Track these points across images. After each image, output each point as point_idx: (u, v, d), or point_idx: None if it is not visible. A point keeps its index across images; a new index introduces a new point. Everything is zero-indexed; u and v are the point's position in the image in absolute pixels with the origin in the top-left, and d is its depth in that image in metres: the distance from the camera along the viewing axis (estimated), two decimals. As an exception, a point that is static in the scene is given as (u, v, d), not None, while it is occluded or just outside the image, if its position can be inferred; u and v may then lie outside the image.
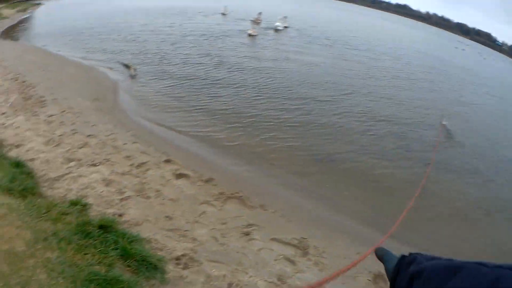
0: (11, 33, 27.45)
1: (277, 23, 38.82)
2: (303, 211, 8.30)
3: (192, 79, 17.86)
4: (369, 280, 6.18)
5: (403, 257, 1.05)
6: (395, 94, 20.52)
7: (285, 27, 39.76)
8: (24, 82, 15.26)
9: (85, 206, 6.56)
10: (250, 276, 5.47)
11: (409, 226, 8.28)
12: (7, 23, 30.76)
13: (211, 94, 15.88)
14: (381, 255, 1.20)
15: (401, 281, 0.97)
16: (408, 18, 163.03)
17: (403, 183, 10.63)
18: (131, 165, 8.77)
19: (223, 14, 45.75)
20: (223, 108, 14.25)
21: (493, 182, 12.46)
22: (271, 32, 37.01)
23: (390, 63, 30.81)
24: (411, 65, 32.70)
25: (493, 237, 9.36)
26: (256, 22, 37.15)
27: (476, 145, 15.61)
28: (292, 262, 6.10)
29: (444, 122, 16.60)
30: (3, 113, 11.83)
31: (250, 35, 32.55)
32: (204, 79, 18.03)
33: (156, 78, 17.84)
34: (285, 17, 40.99)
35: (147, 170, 8.62)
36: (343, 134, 13.24)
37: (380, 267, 1.29)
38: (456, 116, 18.79)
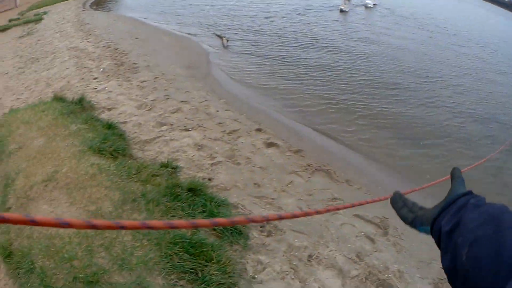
0: (101, 3, 28.14)
1: (367, 1, 37.87)
2: (387, 190, 7.92)
3: (285, 54, 17.55)
4: (442, 268, 5.85)
5: (470, 192, 1.00)
6: (483, 87, 19.01)
7: (375, 4, 38.72)
8: (116, 49, 15.70)
9: (175, 169, 6.67)
10: (330, 250, 5.35)
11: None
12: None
13: (304, 72, 15.47)
14: (457, 175, 1.13)
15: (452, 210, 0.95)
16: (492, 4, 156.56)
17: (487, 176, 10.03)
18: (223, 131, 8.77)
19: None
20: (316, 88, 13.83)
21: None
22: (361, 9, 36.20)
23: (477, 51, 28.65)
24: (497, 54, 30.57)
25: None
26: (347, -2, 36.35)
27: None
28: (372, 240, 5.88)
29: None
30: (95, 78, 12.23)
31: (341, 10, 31.98)
32: (296, 56, 17.64)
33: (248, 51, 17.72)
34: (375, -6, 39.93)
35: (238, 137, 8.58)
36: (435, 123, 12.57)
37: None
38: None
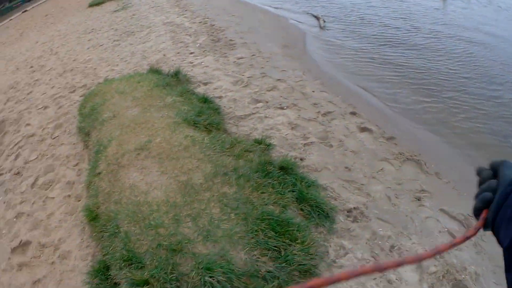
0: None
1: (466, -12, 36.36)
2: (474, 188, 7.62)
3: (384, 43, 16.88)
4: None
5: None
6: None
7: (472, -9, 37.10)
8: (212, 25, 16.01)
9: (268, 146, 6.71)
10: (413, 243, 5.23)
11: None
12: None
13: (405, 65, 14.76)
14: (499, 164, 1.17)
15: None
16: None
17: None
18: (317, 112, 8.68)
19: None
20: (417, 82, 13.19)
21: None
22: (460, -4, 34.89)
23: None
24: None
25: None
26: (447, -16, 35.02)
27: None
28: (454, 237, 5.56)
29: None
30: (192, 53, 12.53)
31: (441, -3, 30.93)
32: (396, 46, 16.91)
33: (346, 34, 17.27)
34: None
35: (332, 119, 8.47)
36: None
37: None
38: None
